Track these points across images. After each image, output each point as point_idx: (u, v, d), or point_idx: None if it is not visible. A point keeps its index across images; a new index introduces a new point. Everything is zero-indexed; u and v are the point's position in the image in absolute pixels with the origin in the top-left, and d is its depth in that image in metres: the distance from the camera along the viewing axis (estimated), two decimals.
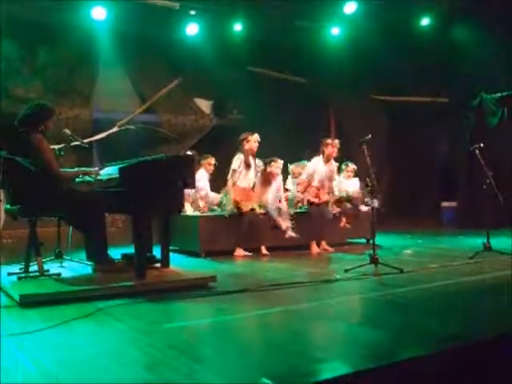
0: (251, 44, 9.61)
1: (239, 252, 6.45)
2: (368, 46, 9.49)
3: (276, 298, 3.97)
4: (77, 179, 4.67)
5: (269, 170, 6.87)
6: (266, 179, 6.92)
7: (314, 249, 6.79)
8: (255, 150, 6.73)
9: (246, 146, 6.63)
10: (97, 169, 4.84)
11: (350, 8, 9.21)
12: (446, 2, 9.30)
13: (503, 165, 9.06)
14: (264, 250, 6.53)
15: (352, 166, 7.88)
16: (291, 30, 9.66)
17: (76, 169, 4.68)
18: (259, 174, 6.98)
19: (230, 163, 6.81)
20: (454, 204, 10.70)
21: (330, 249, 6.89)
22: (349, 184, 7.83)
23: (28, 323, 3.14)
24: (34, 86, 9.14)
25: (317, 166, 7.04)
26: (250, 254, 6.45)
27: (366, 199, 7.28)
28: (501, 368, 2.70)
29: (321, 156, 7.04)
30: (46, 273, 4.33)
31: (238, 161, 6.67)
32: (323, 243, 6.90)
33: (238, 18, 9.32)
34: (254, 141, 6.65)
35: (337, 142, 7.13)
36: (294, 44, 10.07)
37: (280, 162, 6.98)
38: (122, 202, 4.26)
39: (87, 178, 4.66)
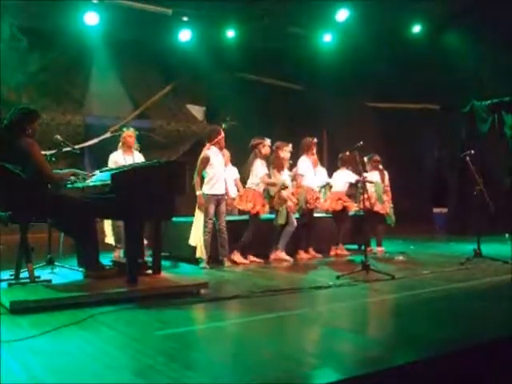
0: (244, 50, 9.62)
1: (239, 258, 6.36)
2: (360, 52, 9.55)
3: (268, 304, 3.97)
4: (68, 185, 4.66)
5: (282, 155, 6.69)
6: (279, 165, 6.73)
7: (303, 255, 6.80)
8: (268, 154, 6.65)
9: (263, 151, 6.52)
10: (89, 174, 4.82)
11: (342, 15, 9.26)
12: (437, 9, 9.37)
13: (494, 171, 9.13)
14: (252, 257, 6.47)
15: (376, 157, 7.39)
16: (284, 36, 9.70)
17: (67, 170, 4.63)
18: (271, 160, 6.76)
19: None
20: (445, 210, 10.76)
21: (318, 255, 6.91)
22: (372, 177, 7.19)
23: (18, 330, 3.11)
24: (26, 91, 9.10)
25: (308, 166, 6.95)
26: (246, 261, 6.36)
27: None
28: (497, 372, 2.71)
29: (308, 155, 6.98)
30: (36, 279, 4.31)
31: (263, 165, 6.50)
32: (310, 250, 6.92)
33: (230, 25, 9.34)
34: (268, 145, 6.57)
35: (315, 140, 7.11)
36: (287, 51, 10.11)
37: (290, 146, 6.80)
38: (115, 207, 4.25)
39: (79, 184, 4.64)
